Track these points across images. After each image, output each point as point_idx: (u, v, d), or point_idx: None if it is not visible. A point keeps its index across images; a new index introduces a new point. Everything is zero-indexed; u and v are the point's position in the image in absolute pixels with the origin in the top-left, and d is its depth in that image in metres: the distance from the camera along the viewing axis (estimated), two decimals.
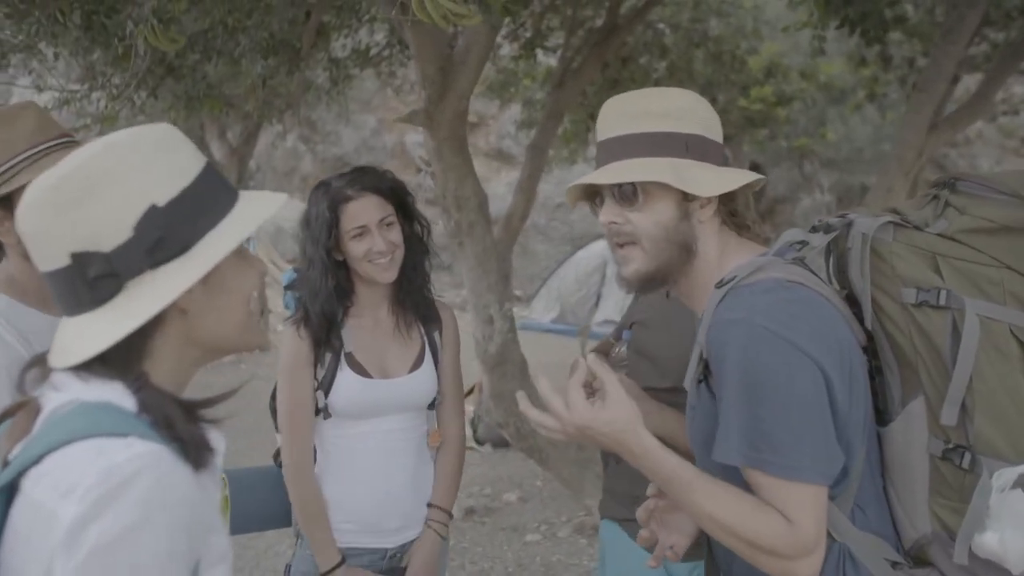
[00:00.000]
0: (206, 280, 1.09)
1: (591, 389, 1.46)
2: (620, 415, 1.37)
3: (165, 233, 1.05)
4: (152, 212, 1.05)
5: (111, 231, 1.03)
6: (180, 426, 1.04)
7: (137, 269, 1.04)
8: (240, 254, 1.15)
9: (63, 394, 1.05)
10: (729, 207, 1.52)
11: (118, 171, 1.05)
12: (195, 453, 1.04)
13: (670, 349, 1.92)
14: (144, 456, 0.97)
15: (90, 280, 1.03)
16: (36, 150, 1.70)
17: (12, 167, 1.68)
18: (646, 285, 1.52)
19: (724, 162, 1.51)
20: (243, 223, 1.11)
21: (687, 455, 1.45)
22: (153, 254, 1.05)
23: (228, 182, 1.16)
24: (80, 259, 1.03)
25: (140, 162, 1.06)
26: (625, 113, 1.49)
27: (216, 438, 1.13)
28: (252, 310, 1.19)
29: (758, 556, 1.35)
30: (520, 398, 1.42)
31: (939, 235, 1.40)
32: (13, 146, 1.69)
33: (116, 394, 1.05)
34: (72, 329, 1.06)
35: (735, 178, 1.47)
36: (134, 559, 0.94)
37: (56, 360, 1.06)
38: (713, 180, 1.45)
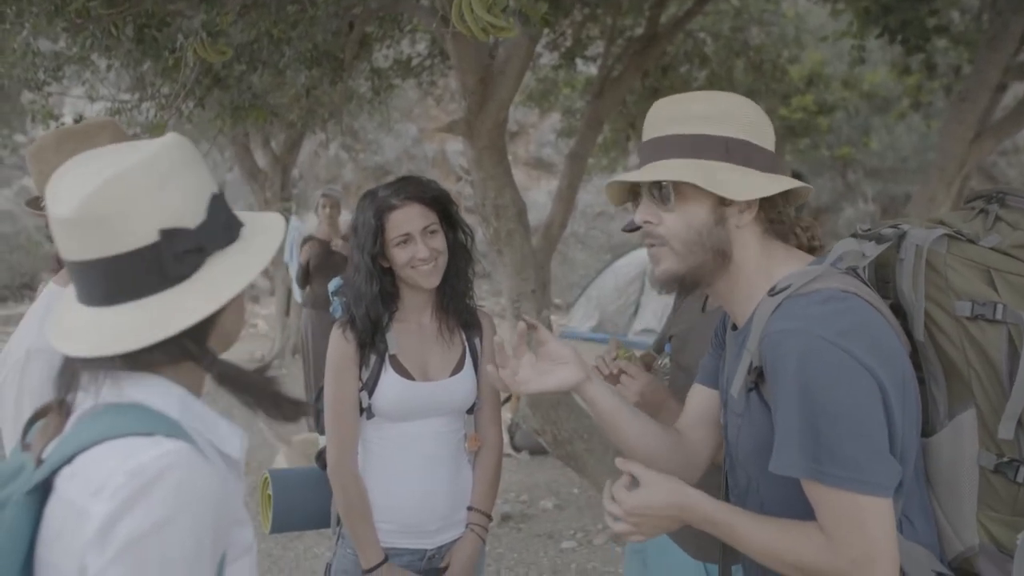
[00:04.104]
0: None
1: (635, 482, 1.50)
2: (661, 486, 1.43)
3: (227, 218, 1.14)
4: (215, 198, 1.13)
5: (192, 210, 1.10)
6: (258, 386, 1.11)
7: (217, 244, 1.12)
8: None
9: (91, 395, 1.09)
10: (769, 214, 1.48)
11: (188, 161, 1.12)
12: (279, 409, 1.12)
13: None
14: (170, 454, 1.01)
15: (180, 254, 1.08)
16: None
17: None
18: (677, 286, 1.51)
19: (771, 169, 1.47)
20: (271, 227, 1.19)
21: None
22: (228, 232, 1.13)
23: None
24: (170, 234, 1.08)
25: (198, 158, 1.15)
26: (668, 115, 1.48)
27: (239, 435, 1.17)
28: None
29: None
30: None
31: (993, 249, 1.40)
32: None
33: (144, 393, 1.09)
34: (140, 312, 1.07)
35: (773, 184, 1.43)
36: (163, 553, 0.98)
37: (122, 343, 1.06)
38: (747, 184, 1.42)
